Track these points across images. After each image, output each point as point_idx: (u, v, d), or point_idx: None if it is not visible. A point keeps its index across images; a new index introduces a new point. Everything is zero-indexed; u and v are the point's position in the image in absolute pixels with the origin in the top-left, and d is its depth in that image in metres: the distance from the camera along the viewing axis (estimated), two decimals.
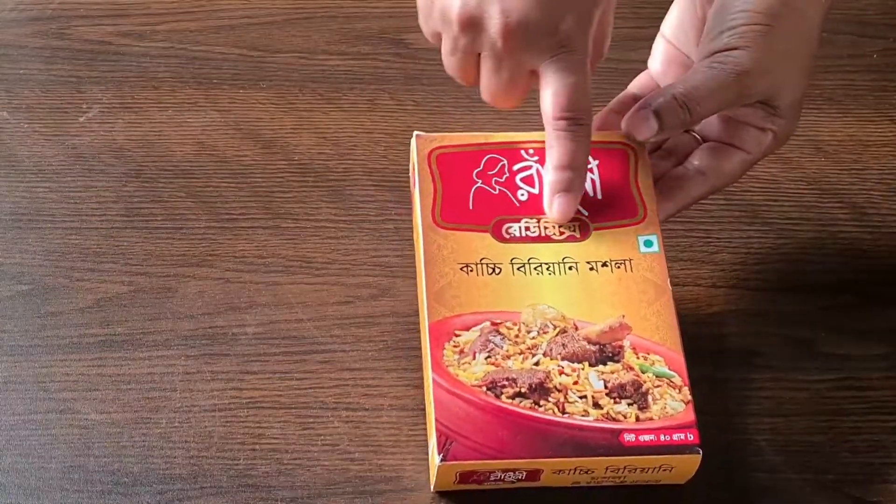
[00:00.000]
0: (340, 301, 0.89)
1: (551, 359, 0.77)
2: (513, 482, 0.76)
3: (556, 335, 0.78)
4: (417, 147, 0.85)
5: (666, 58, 0.88)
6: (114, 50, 1.06)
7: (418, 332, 0.84)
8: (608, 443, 0.75)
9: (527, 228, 0.82)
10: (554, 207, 0.81)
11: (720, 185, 0.85)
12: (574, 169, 0.80)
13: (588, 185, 0.83)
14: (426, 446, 0.80)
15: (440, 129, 0.98)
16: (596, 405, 0.76)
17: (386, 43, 1.07)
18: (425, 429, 0.81)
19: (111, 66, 1.05)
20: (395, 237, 0.92)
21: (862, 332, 0.88)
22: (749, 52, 0.79)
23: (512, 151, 0.84)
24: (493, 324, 0.78)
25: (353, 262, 0.91)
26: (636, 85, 0.89)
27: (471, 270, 0.80)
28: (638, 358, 0.78)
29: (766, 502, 0.80)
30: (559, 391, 0.76)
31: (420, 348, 0.83)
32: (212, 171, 0.97)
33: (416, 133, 0.85)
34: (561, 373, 0.77)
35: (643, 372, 0.77)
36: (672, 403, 0.76)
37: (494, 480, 0.76)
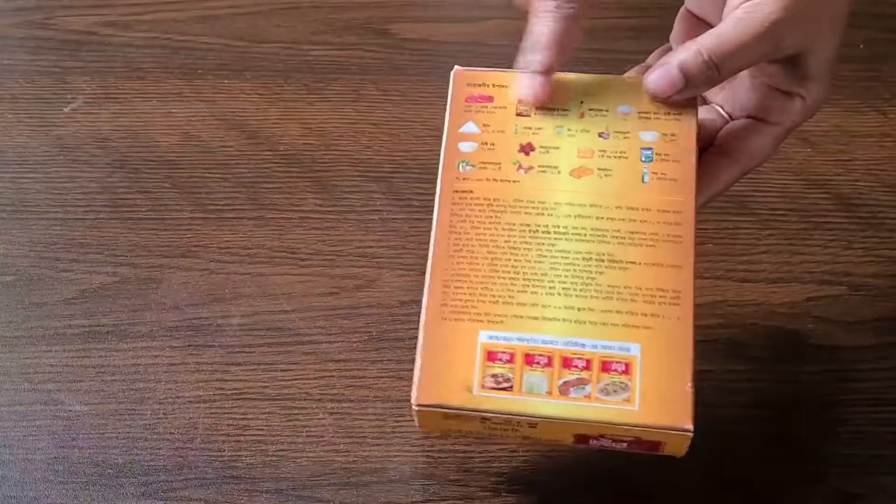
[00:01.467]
0: (325, 292, 0.89)
1: None
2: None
3: None
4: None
5: (686, 27, 0.84)
6: (98, 40, 1.06)
7: (403, 323, 0.84)
8: None
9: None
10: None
11: (750, 166, 0.81)
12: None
13: None
14: (411, 438, 0.80)
15: (425, 120, 0.98)
16: None
17: (371, 33, 1.07)
18: (410, 421, 0.81)
19: (96, 57, 1.05)
20: (380, 228, 0.92)
21: (849, 324, 0.88)
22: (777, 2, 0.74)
23: None
24: None
25: (338, 253, 0.91)
26: (655, 57, 0.86)
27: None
28: None
29: (751, 494, 0.80)
30: None
31: (405, 339, 0.83)
32: (197, 162, 0.97)
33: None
34: None
35: None
36: None
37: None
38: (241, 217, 0.93)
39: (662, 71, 0.76)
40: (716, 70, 0.75)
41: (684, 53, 0.76)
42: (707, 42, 0.76)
